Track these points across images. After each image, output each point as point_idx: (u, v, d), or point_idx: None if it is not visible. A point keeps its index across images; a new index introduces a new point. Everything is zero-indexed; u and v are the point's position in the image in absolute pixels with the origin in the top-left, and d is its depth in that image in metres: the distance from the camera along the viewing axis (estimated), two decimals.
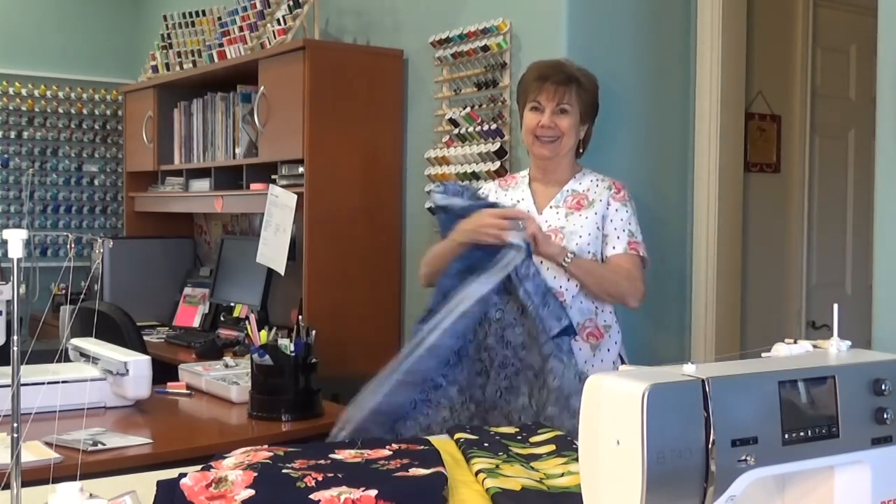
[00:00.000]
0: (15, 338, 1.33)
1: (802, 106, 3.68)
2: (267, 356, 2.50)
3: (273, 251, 3.63)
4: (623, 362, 2.54)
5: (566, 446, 1.75)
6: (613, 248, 2.51)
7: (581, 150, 2.63)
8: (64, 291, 4.84)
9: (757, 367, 1.16)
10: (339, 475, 1.48)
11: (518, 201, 2.57)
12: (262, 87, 3.78)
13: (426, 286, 2.61)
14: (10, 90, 5.32)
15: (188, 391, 2.82)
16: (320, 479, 1.45)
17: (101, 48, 5.62)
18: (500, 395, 2.28)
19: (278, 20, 3.80)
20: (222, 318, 4.11)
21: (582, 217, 2.50)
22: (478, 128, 3.26)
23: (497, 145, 3.19)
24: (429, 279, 2.56)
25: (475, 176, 3.25)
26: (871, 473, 1.18)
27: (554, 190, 2.58)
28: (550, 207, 2.55)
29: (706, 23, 3.18)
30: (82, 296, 4.56)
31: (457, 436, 1.79)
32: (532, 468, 1.62)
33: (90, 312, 3.40)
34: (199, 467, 1.55)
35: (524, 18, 3.11)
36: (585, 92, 2.55)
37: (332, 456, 1.63)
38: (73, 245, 2.21)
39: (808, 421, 1.14)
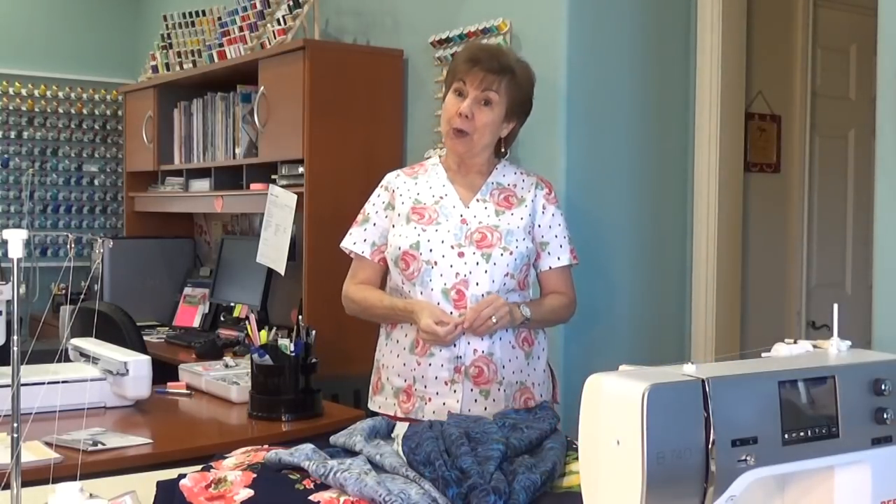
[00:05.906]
0: (15, 338, 1.33)
1: (802, 106, 3.68)
2: (267, 356, 2.49)
3: (273, 251, 3.63)
4: (550, 370, 2.38)
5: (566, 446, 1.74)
6: (559, 258, 2.30)
7: (504, 150, 2.36)
8: (64, 291, 4.84)
9: (757, 367, 1.16)
10: None
11: (442, 197, 2.30)
12: (262, 87, 3.78)
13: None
14: (10, 90, 5.31)
15: (188, 391, 2.81)
16: (319, 481, 1.45)
17: (101, 48, 5.62)
18: None
19: (278, 20, 3.79)
20: (222, 318, 4.11)
21: (515, 217, 2.27)
22: None
23: None
24: (353, 314, 2.47)
25: None
26: (871, 473, 1.18)
27: (476, 181, 2.33)
28: (477, 200, 2.30)
29: (706, 23, 3.18)
30: (82, 296, 4.55)
31: None
32: None
33: (90, 312, 3.40)
34: (199, 467, 1.56)
35: (524, 18, 3.11)
36: (518, 86, 2.26)
37: None
38: (73, 245, 2.20)
39: (808, 421, 1.14)
